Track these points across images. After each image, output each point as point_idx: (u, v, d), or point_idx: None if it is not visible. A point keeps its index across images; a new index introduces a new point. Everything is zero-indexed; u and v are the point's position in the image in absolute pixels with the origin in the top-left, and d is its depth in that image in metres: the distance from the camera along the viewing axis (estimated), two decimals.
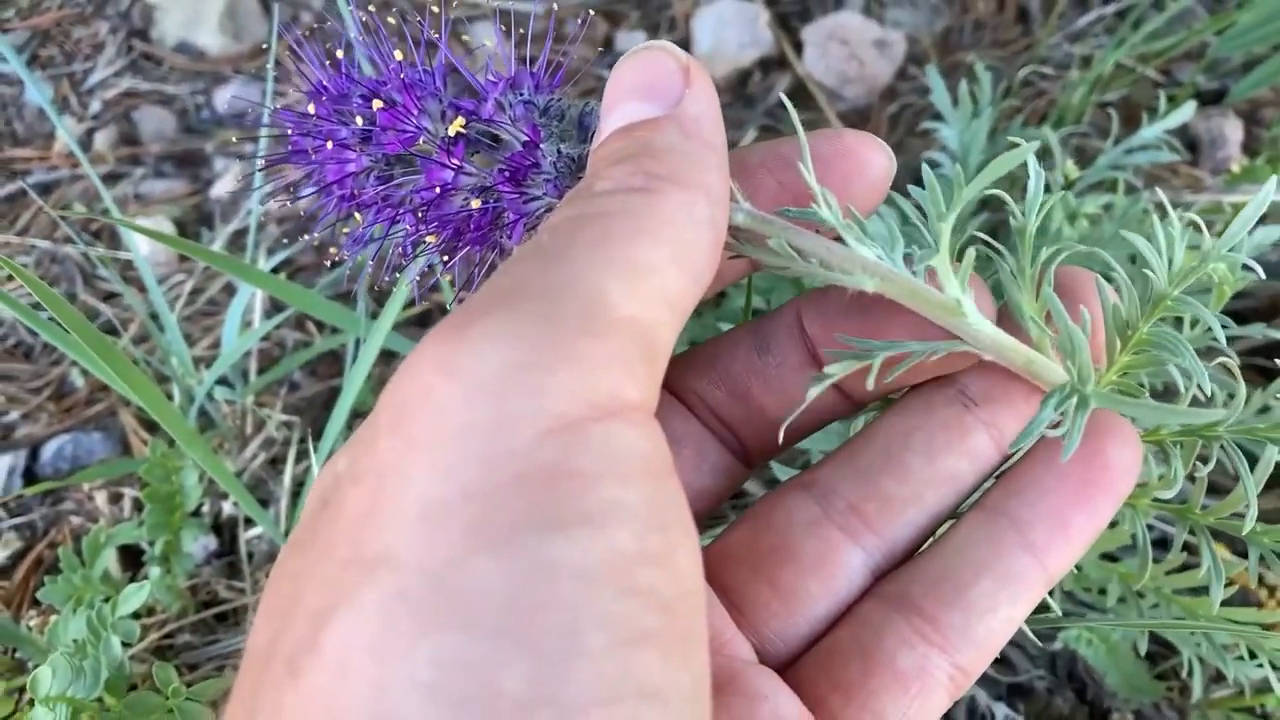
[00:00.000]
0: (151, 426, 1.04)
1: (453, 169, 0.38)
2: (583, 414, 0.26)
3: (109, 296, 1.18)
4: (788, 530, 0.40)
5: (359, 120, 0.38)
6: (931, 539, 0.41)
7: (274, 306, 1.11)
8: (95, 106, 1.34)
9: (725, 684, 0.37)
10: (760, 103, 1.31)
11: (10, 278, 1.19)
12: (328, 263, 1.14)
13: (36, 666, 0.83)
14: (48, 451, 1.04)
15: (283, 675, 0.25)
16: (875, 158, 0.39)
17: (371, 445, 0.27)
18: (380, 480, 0.26)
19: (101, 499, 0.98)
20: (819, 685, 0.37)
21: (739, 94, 1.33)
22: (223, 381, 1.00)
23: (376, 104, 0.38)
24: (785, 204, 0.38)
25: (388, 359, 1.04)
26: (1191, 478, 0.43)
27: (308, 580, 0.26)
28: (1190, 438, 0.43)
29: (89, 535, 0.80)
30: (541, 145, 0.38)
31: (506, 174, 0.38)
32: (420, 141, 0.38)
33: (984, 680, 0.87)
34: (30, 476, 1.03)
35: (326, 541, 0.26)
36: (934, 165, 1.00)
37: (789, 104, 0.38)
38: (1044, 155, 1.01)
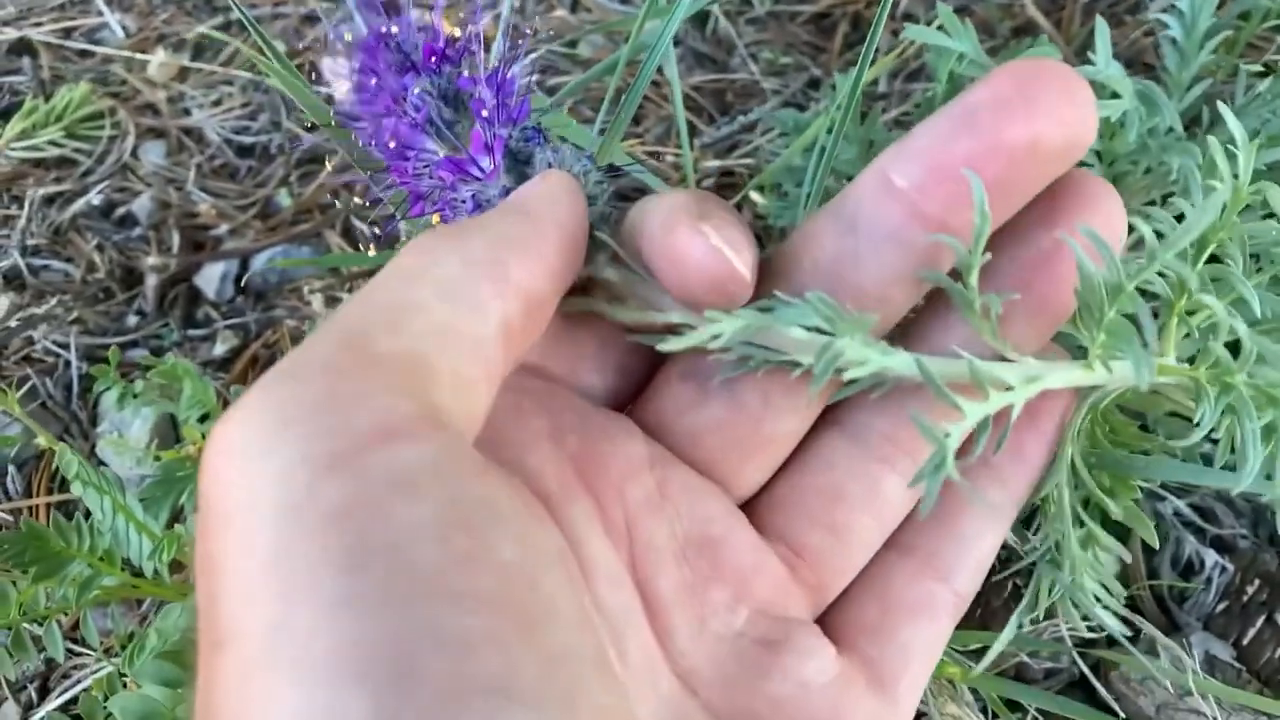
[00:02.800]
0: (358, 245, 1.07)
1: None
2: (352, 448, 0.27)
3: (310, 128, 1.21)
4: (831, 471, 0.42)
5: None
6: None
7: None
8: None
9: (780, 643, 0.40)
10: None
11: (217, 102, 1.22)
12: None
13: None
14: (258, 262, 1.08)
15: None
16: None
17: (198, 533, 0.29)
18: (209, 565, 0.27)
19: (318, 302, 1.01)
20: (846, 631, 0.42)
21: None
22: None
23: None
24: None
25: None
26: None
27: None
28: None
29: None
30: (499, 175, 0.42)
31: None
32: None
33: (1191, 528, 0.87)
34: (241, 282, 1.07)
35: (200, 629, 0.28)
36: (1163, 26, 0.98)
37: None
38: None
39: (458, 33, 0.42)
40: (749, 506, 0.43)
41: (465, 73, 0.42)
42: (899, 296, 0.40)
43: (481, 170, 0.41)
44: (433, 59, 0.41)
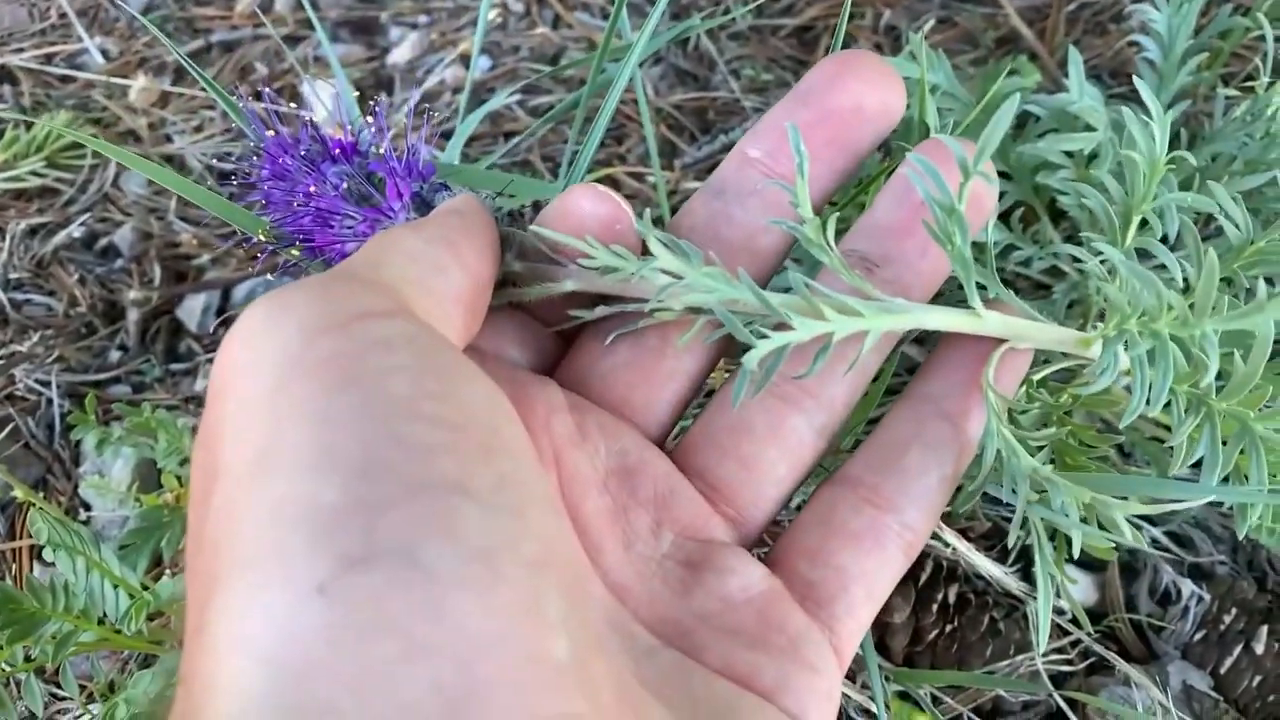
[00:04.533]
0: None
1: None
2: (342, 321, 0.32)
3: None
4: (740, 411, 0.46)
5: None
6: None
7: None
8: None
9: (701, 563, 0.44)
10: None
11: (198, 127, 1.22)
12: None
13: None
14: (239, 293, 1.08)
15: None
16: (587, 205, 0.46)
17: (205, 414, 0.33)
18: (211, 431, 0.31)
19: None
20: (787, 556, 0.45)
21: None
22: None
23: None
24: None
25: None
26: None
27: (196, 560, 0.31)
28: None
29: None
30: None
31: None
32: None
33: (1168, 556, 0.87)
34: (223, 316, 1.07)
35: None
36: (1137, 47, 0.98)
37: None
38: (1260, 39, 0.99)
39: (348, 134, 0.49)
40: (672, 454, 0.47)
41: (378, 152, 0.49)
42: (766, 243, 0.47)
43: (394, 211, 0.48)
44: (339, 151, 0.48)
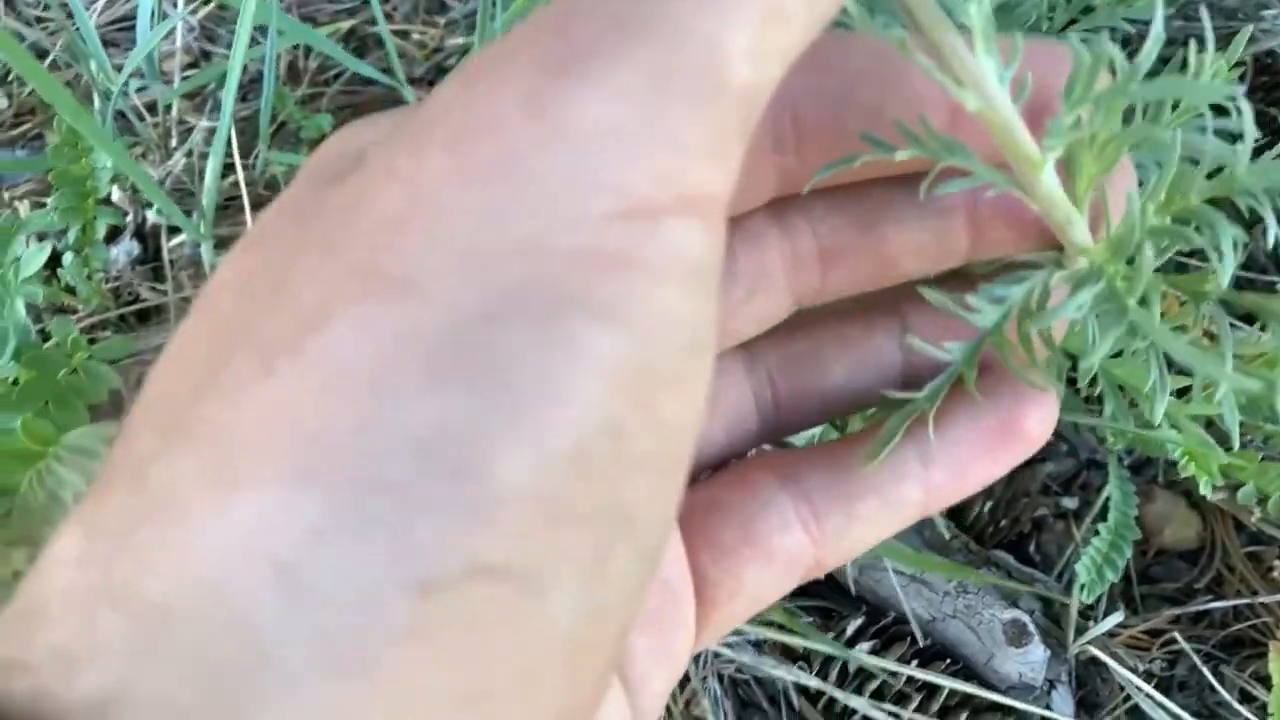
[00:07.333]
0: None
1: None
2: (663, 203, 0.22)
3: (37, 21, 1.14)
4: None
5: None
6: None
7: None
8: None
9: None
10: None
11: None
12: None
13: None
14: None
15: (254, 368, 0.21)
16: None
17: (417, 150, 0.22)
18: (419, 195, 0.22)
19: (24, 208, 0.96)
20: (695, 537, 0.36)
21: None
22: (147, 90, 0.97)
23: None
24: None
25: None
26: None
27: (301, 270, 0.22)
28: None
29: None
30: None
31: None
32: None
33: None
34: None
35: (334, 233, 0.22)
36: None
37: None
38: None
39: None
40: None
41: None
42: None
43: None
44: None
